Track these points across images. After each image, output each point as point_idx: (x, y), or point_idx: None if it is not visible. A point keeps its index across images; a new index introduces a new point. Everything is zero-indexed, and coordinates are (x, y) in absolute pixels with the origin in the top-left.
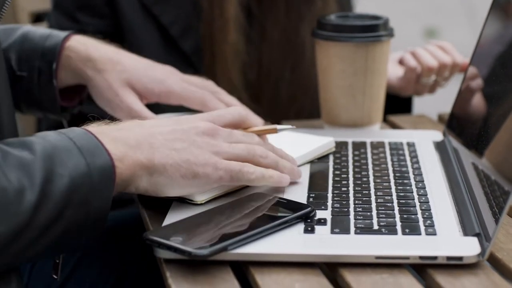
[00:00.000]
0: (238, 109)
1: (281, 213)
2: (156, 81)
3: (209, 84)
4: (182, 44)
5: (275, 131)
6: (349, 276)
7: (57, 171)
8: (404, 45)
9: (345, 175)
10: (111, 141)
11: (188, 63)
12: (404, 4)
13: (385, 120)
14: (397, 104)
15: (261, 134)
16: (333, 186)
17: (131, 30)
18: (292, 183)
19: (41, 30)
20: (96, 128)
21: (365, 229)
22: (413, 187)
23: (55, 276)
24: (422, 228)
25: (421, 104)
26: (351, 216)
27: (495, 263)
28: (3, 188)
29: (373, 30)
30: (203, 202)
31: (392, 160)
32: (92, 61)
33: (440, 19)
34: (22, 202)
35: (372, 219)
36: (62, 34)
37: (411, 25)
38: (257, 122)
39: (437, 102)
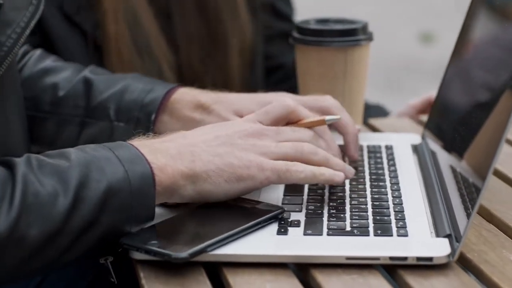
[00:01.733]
0: (284, 103)
1: (253, 214)
2: (265, 104)
3: (325, 100)
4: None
5: (323, 122)
6: (320, 277)
7: (93, 177)
8: (400, 49)
9: None
10: (151, 152)
11: None
12: (400, 8)
13: (365, 123)
14: None
15: (310, 126)
16: (309, 189)
17: (58, 39)
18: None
19: (143, 82)
20: (138, 141)
21: (337, 231)
22: (388, 189)
23: (112, 280)
24: (394, 229)
25: (398, 108)
26: (325, 218)
27: (466, 263)
28: (36, 192)
29: (352, 34)
30: (175, 203)
31: (369, 163)
32: (201, 106)
33: (435, 23)
34: (54, 207)
35: (345, 220)
36: (165, 88)
37: (406, 29)
38: (306, 113)
39: None
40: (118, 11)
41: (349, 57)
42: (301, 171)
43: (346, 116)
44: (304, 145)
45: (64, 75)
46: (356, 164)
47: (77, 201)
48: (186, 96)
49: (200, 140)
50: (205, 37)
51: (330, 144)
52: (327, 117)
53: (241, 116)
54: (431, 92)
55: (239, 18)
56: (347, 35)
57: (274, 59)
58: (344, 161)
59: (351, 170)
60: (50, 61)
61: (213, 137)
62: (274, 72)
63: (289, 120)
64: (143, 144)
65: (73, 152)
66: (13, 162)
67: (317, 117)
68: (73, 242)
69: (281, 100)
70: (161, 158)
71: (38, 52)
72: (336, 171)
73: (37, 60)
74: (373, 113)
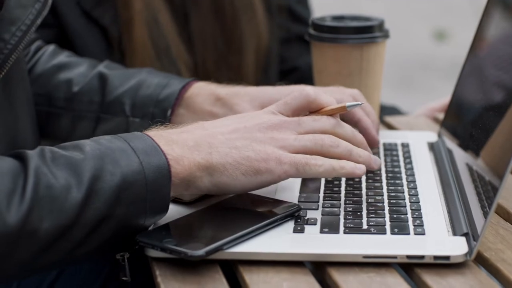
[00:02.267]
0: (304, 92)
1: (269, 212)
2: (288, 93)
3: (347, 89)
4: (122, 40)
5: (344, 109)
6: (337, 275)
7: (107, 169)
8: (413, 46)
9: None
10: (167, 143)
11: None
12: (413, 5)
13: (381, 121)
14: None
15: (331, 114)
16: (325, 187)
17: (76, 34)
18: (285, 182)
19: (159, 77)
20: (155, 132)
21: (354, 229)
22: (405, 187)
23: (124, 278)
24: (411, 227)
25: (419, 105)
26: (341, 216)
27: (483, 262)
28: (49, 185)
29: (368, 31)
30: (192, 200)
31: (385, 161)
32: (221, 100)
33: (449, 21)
34: (67, 199)
35: (361, 218)
36: (180, 83)
37: (420, 26)
38: (329, 101)
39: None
40: (142, 13)
41: (365, 54)
42: (320, 164)
43: (367, 105)
44: (324, 138)
45: (78, 70)
46: None
47: (91, 193)
48: (203, 90)
49: (219, 132)
50: (221, 38)
51: (355, 132)
52: (348, 103)
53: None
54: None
55: (256, 21)
56: (363, 32)
57: (289, 61)
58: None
59: (377, 161)
60: (63, 57)
61: (232, 129)
62: (289, 75)
63: (310, 109)
64: (160, 135)
65: (87, 144)
66: (26, 155)
67: (338, 104)
68: (86, 235)
69: (301, 90)
70: (177, 149)
71: (51, 47)
72: (357, 164)
73: (51, 55)
74: (388, 114)
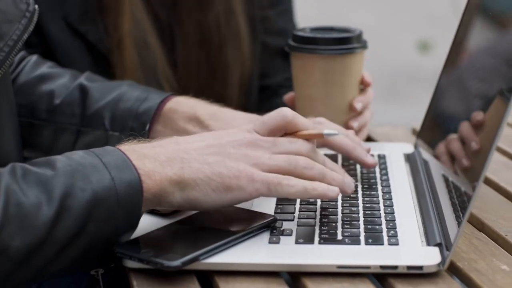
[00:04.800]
0: (282, 113)
1: (245, 223)
2: None
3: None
4: (112, 58)
5: (321, 136)
6: (311, 285)
7: (78, 186)
8: (398, 57)
9: None
10: (139, 158)
11: None
12: (398, 17)
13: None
14: None
15: (308, 139)
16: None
17: (61, 51)
18: None
19: (138, 90)
20: (127, 146)
21: (329, 239)
22: (380, 198)
23: None
24: (385, 238)
25: (406, 116)
26: (316, 227)
27: (456, 272)
28: (20, 203)
29: (336, 43)
30: (169, 212)
31: (361, 172)
32: (197, 119)
33: (433, 32)
34: (38, 217)
35: (336, 229)
36: (159, 96)
37: (404, 38)
38: (307, 125)
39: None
40: (131, 34)
41: (329, 66)
42: (292, 185)
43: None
44: (299, 159)
45: (60, 82)
46: (348, 173)
47: (61, 211)
48: (181, 106)
49: (192, 147)
50: (206, 66)
51: (328, 159)
52: (326, 131)
53: None
54: None
55: (241, 49)
56: (330, 44)
57: (265, 77)
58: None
59: (351, 185)
60: (46, 68)
61: (206, 145)
62: (265, 90)
63: (287, 131)
64: (132, 149)
65: (59, 160)
66: None
67: (315, 130)
68: (58, 252)
69: (279, 110)
70: (149, 164)
71: (34, 58)
72: (330, 186)
73: (33, 66)
74: None
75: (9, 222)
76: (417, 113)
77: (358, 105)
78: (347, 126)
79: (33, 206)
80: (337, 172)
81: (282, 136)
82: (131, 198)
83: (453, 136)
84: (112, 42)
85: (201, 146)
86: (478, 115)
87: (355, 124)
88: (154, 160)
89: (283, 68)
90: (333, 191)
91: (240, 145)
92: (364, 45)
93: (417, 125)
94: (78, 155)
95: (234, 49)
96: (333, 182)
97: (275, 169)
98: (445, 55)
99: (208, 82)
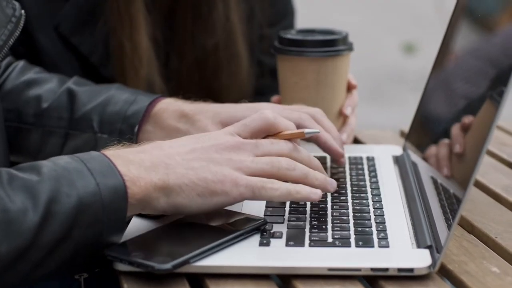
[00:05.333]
0: (264, 115)
1: (236, 225)
2: (249, 111)
3: (308, 108)
4: (103, 71)
5: (302, 135)
6: None
7: (63, 191)
8: (384, 59)
9: None
10: (124, 164)
11: None
12: (382, 19)
13: None
14: None
15: (289, 139)
16: (291, 201)
17: (50, 62)
18: None
19: (127, 93)
20: (112, 151)
21: (319, 242)
22: (370, 200)
23: None
24: (376, 240)
25: (390, 118)
26: (307, 229)
27: (447, 274)
28: (6, 209)
29: (325, 45)
30: (159, 214)
31: (350, 175)
32: (185, 116)
33: (417, 34)
34: (24, 222)
35: (327, 232)
36: (148, 98)
37: (389, 40)
38: (288, 125)
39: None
40: (133, 51)
41: (321, 68)
42: (276, 188)
43: (327, 122)
44: (281, 161)
45: (48, 86)
46: (338, 175)
47: (47, 216)
48: (170, 106)
49: (176, 152)
50: (200, 87)
51: (311, 157)
52: (306, 130)
53: (226, 126)
54: None
55: (239, 73)
56: (320, 46)
57: (258, 96)
58: (328, 172)
59: (333, 184)
60: (33, 73)
61: (189, 149)
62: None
63: (268, 133)
64: (117, 155)
65: (45, 165)
66: None
67: (296, 130)
68: (44, 257)
69: (260, 113)
70: (134, 170)
71: (21, 63)
72: (313, 189)
73: (20, 71)
74: None
75: None
76: (401, 115)
77: (347, 110)
78: None
79: (19, 211)
80: (319, 170)
81: (264, 137)
82: (116, 204)
83: (442, 139)
84: (114, 59)
85: (184, 151)
86: (467, 118)
87: (343, 136)
88: (139, 166)
89: (277, 86)
90: (315, 193)
91: (223, 149)
92: (351, 47)
93: (404, 127)
94: (63, 160)
95: (230, 74)
96: (316, 181)
97: (258, 172)
98: (429, 56)
99: (203, 100)
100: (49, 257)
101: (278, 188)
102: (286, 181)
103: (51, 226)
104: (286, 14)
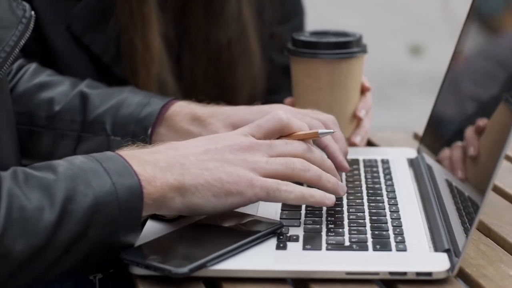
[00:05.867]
0: (277, 116)
1: (252, 229)
2: (261, 114)
3: (321, 114)
4: (115, 70)
5: (316, 135)
6: None
7: (80, 190)
8: (389, 61)
9: None
10: (140, 164)
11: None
12: (388, 21)
13: None
14: None
15: (303, 139)
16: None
17: (64, 61)
18: None
19: (140, 95)
20: (127, 152)
21: (336, 246)
22: (386, 203)
23: None
24: (393, 244)
25: (396, 120)
26: (323, 233)
27: (465, 278)
28: (22, 207)
29: (339, 47)
30: (174, 217)
31: (366, 177)
32: (198, 119)
33: (423, 35)
34: (40, 221)
35: (343, 235)
36: (161, 101)
37: (395, 42)
38: (301, 126)
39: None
40: (145, 52)
41: (335, 70)
42: (290, 191)
43: (338, 132)
44: (295, 161)
45: (60, 89)
46: (353, 178)
47: (64, 215)
48: (183, 109)
49: (191, 152)
50: (213, 84)
51: (324, 158)
52: (320, 130)
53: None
54: None
55: (252, 67)
56: (334, 48)
57: (270, 95)
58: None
59: (343, 188)
60: (45, 76)
61: (204, 150)
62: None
63: (282, 133)
64: (132, 155)
65: (60, 165)
66: None
67: (310, 130)
68: (59, 256)
69: (274, 113)
70: (149, 170)
71: (33, 66)
72: (327, 194)
73: (32, 74)
74: None
75: (12, 225)
76: (407, 116)
77: (361, 113)
78: (349, 140)
79: (36, 210)
80: (332, 172)
81: (278, 138)
82: (132, 204)
83: (457, 142)
84: (125, 60)
85: (199, 151)
86: (482, 121)
87: (357, 139)
88: (154, 166)
89: (289, 85)
90: (329, 199)
91: (238, 149)
92: (365, 49)
93: (410, 129)
94: (78, 160)
95: (244, 67)
96: (328, 184)
97: (273, 173)
98: (435, 58)
99: (216, 97)
100: (64, 257)
101: (292, 191)
102: (299, 182)
103: (67, 225)
104: (295, 12)
